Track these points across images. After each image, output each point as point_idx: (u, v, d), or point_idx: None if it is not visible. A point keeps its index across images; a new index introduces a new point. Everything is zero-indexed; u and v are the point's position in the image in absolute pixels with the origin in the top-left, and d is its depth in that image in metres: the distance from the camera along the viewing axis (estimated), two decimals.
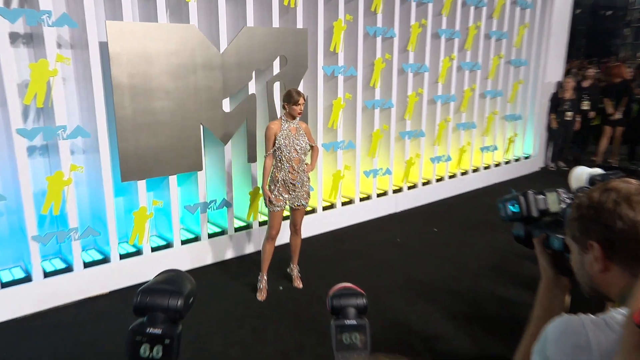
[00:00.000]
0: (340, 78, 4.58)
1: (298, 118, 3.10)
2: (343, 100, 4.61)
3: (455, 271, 3.56)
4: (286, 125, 3.05)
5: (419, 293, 3.21)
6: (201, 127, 3.69)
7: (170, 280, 0.82)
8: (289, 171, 3.05)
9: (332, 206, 4.76)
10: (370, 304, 0.92)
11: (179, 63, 3.49)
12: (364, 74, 4.83)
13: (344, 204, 4.85)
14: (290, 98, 3.01)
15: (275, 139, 3.07)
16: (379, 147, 4.96)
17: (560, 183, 1.87)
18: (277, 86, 4.10)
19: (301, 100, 3.00)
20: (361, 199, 4.99)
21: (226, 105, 3.83)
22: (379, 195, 5.15)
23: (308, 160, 3.39)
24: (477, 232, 4.38)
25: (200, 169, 3.72)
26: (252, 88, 3.95)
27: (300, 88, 4.29)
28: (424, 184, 5.58)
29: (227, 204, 3.96)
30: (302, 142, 3.07)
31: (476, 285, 3.29)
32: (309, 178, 3.20)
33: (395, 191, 5.30)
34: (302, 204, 3.17)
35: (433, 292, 3.22)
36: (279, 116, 3.40)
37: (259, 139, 4.00)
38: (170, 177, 3.64)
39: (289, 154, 3.03)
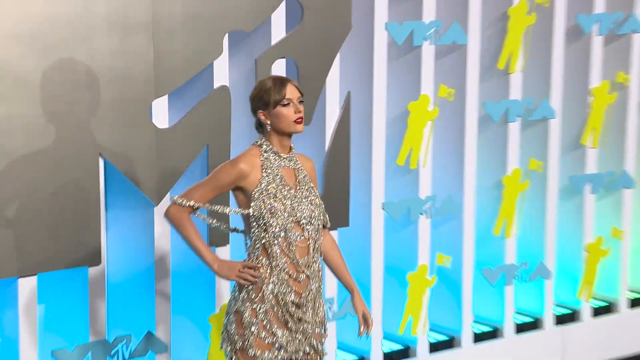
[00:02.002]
0: (429, 50, 4.72)
1: (292, 146, 3.27)
2: (433, 102, 4.74)
3: None
4: (275, 164, 3.22)
5: None
6: (101, 163, 3.83)
7: None
8: (288, 274, 3.16)
9: (405, 355, 4.82)
10: None
11: (47, 18, 3.56)
12: (484, 40, 5.01)
13: (435, 347, 4.99)
14: (267, 93, 3.17)
15: (240, 191, 3.22)
16: (520, 210, 5.12)
17: None
18: (280, 67, 4.27)
19: (291, 91, 3.18)
20: (478, 337, 5.14)
21: (161, 115, 4.04)
22: (523, 329, 5.28)
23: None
24: None
25: (98, 263, 3.87)
26: (222, 75, 4.14)
27: (335, 73, 4.41)
28: (634, 302, 5.73)
29: (157, 345, 4.04)
30: (312, 202, 3.24)
31: None
32: (319, 286, 3.32)
33: (561, 319, 5.46)
34: (315, 350, 3.28)
35: None
36: (256, 142, 3.34)
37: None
38: (20, 280, 3.69)
39: (286, 232, 3.16)
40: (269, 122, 3.17)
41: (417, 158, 4.84)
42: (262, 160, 3.19)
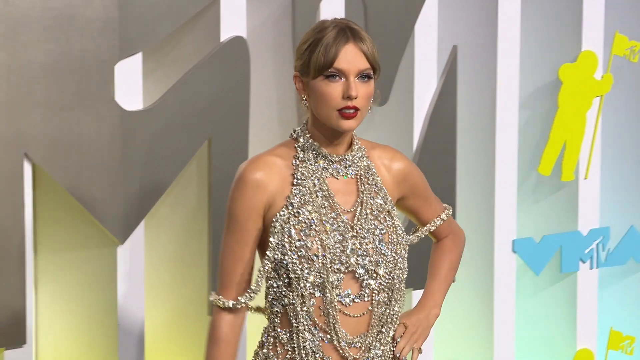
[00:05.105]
0: None
1: (355, 138, 2.73)
2: (604, 65, 4.46)
3: None
4: (315, 172, 2.66)
5: None
6: (26, 170, 3.45)
7: None
8: None
9: None
10: None
11: None
12: None
13: None
14: (312, 45, 2.58)
15: (265, 232, 2.66)
16: None
17: None
18: (333, 4, 4.02)
19: (349, 55, 2.57)
20: None
21: (130, 88, 3.71)
22: None
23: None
24: None
25: (22, 343, 3.50)
26: (235, 19, 3.85)
27: (431, 15, 4.16)
28: None
29: None
30: (382, 239, 2.65)
31: None
32: None
33: None
34: None
35: None
36: (292, 134, 2.86)
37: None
38: None
39: (324, 291, 2.59)
40: (304, 96, 2.59)
41: (574, 164, 4.30)
42: (295, 163, 2.63)
